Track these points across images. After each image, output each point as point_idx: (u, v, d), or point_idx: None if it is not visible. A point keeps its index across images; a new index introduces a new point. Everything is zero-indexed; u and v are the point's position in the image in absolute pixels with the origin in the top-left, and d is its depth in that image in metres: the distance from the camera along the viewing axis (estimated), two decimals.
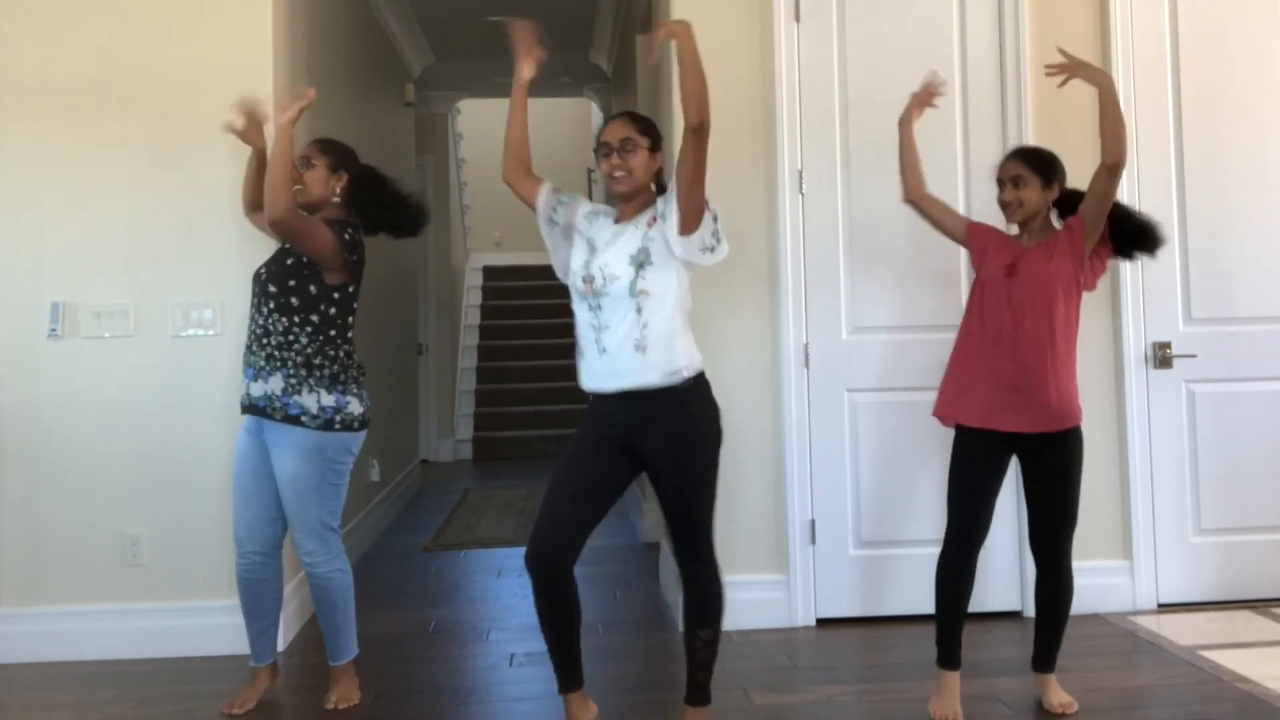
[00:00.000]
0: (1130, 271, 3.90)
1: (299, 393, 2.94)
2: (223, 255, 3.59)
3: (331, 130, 4.65)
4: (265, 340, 2.96)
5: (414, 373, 7.41)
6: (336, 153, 3.12)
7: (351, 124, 5.17)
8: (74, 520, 3.62)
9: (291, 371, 2.94)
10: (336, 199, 3.09)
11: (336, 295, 3.00)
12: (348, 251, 2.98)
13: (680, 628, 2.76)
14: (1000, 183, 3.01)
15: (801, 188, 3.86)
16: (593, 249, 2.71)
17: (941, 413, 3.01)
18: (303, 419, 2.93)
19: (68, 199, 3.65)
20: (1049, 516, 2.92)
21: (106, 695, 3.25)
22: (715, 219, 2.67)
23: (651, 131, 2.73)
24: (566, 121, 11.51)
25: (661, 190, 2.78)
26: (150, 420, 3.62)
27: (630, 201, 2.73)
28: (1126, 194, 3.91)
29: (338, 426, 2.97)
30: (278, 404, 2.93)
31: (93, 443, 3.62)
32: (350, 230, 3.03)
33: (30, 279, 3.64)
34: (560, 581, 2.62)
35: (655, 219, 2.69)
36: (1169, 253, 3.94)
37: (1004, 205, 2.99)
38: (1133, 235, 2.95)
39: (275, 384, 2.94)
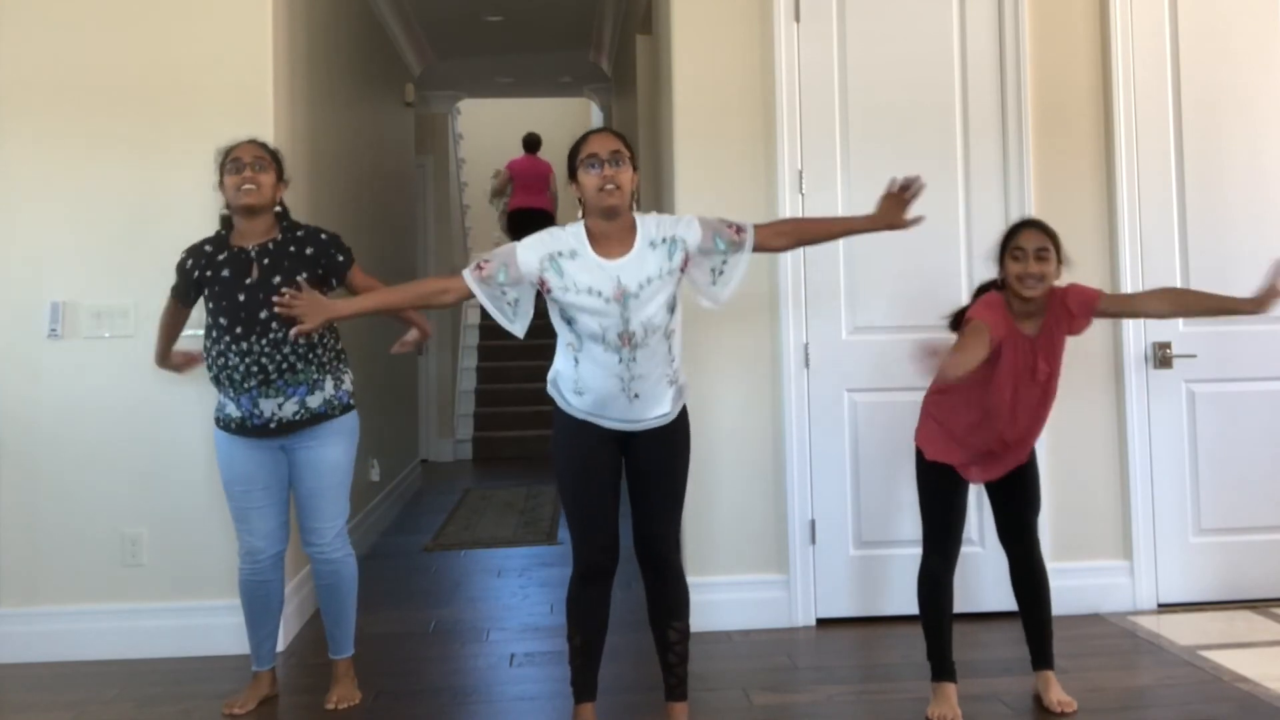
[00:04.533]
0: (1130, 271, 3.89)
1: (343, 381, 3.08)
2: None
3: (331, 130, 4.67)
4: (312, 355, 2.98)
5: (414, 373, 7.41)
6: (280, 161, 3.10)
7: (351, 124, 5.18)
8: (74, 520, 3.62)
9: (333, 368, 3.06)
10: (278, 208, 3.07)
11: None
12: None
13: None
14: (1022, 254, 2.77)
15: (801, 188, 3.85)
16: (615, 301, 2.55)
17: (932, 455, 2.95)
18: (350, 402, 3.08)
19: (68, 199, 3.65)
20: (1021, 508, 2.97)
21: (106, 695, 3.25)
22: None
23: (631, 147, 2.66)
24: (567, 122, 11.51)
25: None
26: (150, 420, 3.62)
27: (615, 220, 2.60)
28: (1127, 193, 3.92)
29: (353, 404, 3.13)
30: (336, 401, 3.04)
31: (93, 443, 3.62)
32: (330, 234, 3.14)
33: (30, 279, 3.64)
34: (609, 589, 2.71)
35: (687, 260, 2.65)
36: (1169, 253, 3.95)
37: (1023, 278, 2.75)
38: None
39: (329, 387, 3.02)
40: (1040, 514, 3.03)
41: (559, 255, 2.59)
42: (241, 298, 2.92)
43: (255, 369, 2.91)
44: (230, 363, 2.93)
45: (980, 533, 3.78)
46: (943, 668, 2.94)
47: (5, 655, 3.56)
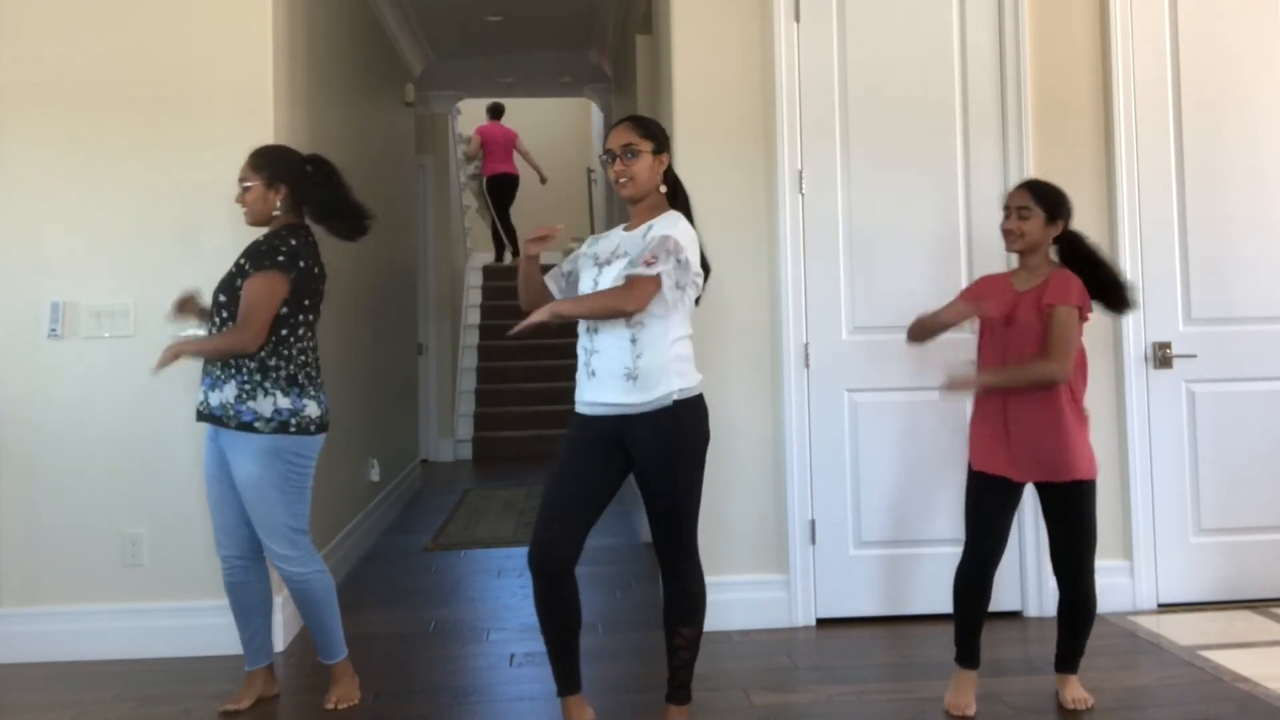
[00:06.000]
0: (1130, 271, 3.89)
1: (253, 398, 2.93)
2: (223, 255, 3.56)
3: (331, 130, 4.67)
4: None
5: (414, 373, 7.41)
6: (269, 166, 3.05)
7: (351, 124, 5.18)
8: (74, 520, 3.62)
9: (245, 378, 2.94)
10: (277, 212, 3.06)
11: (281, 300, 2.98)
12: (287, 272, 2.95)
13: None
14: (1006, 210, 2.99)
15: (801, 188, 3.86)
16: (598, 264, 2.75)
17: (972, 461, 2.99)
18: (256, 424, 2.92)
19: (68, 199, 3.65)
20: (1067, 545, 2.92)
21: (106, 695, 3.25)
22: (677, 264, 2.62)
23: (655, 134, 2.75)
24: (566, 121, 11.51)
25: (673, 191, 2.80)
26: (150, 420, 3.62)
27: (639, 204, 2.77)
28: (1127, 193, 3.92)
29: (293, 429, 2.95)
30: (231, 411, 2.93)
31: (93, 442, 3.62)
32: (287, 248, 2.97)
33: (30, 279, 3.64)
34: (563, 583, 2.62)
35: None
36: (1169, 253, 3.96)
37: (1006, 233, 2.98)
38: (1104, 286, 2.96)
39: (229, 391, 2.94)
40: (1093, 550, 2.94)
41: (592, 240, 2.86)
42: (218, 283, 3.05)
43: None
44: None
45: None
46: (968, 655, 2.96)
47: (5, 655, 3.57)
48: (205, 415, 3.00)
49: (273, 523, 2.96)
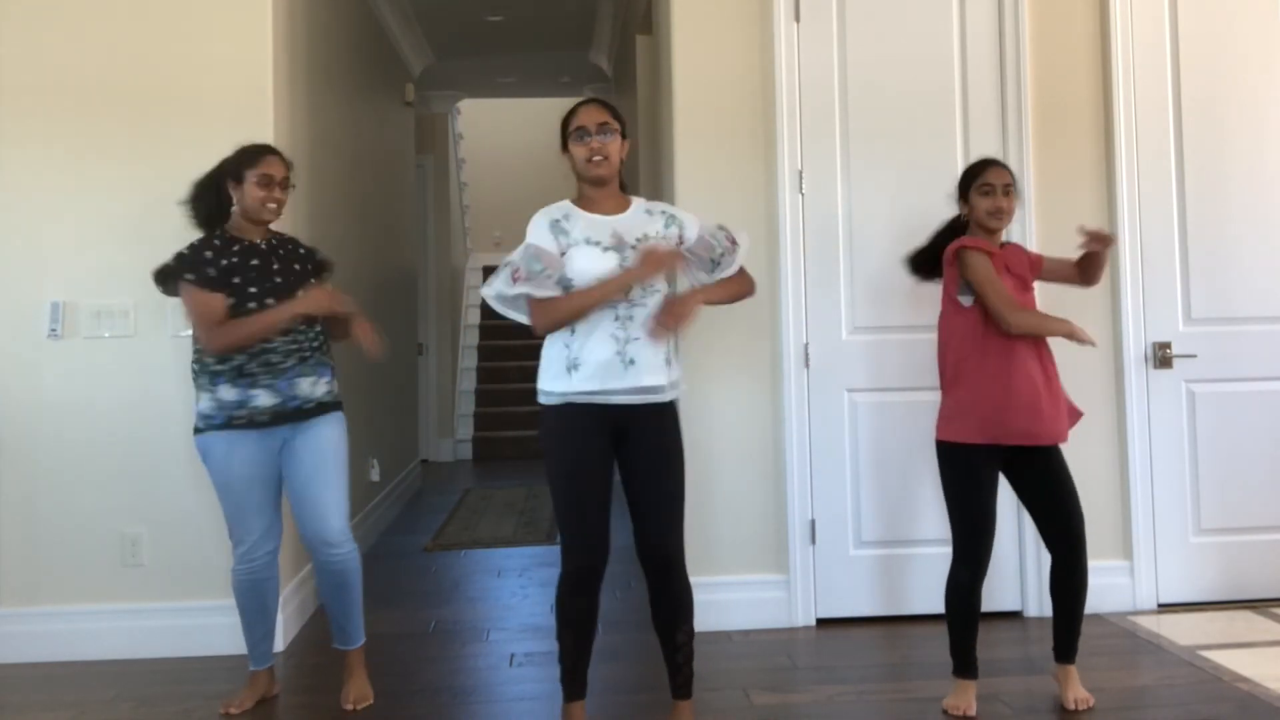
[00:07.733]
0: (1130, 271, 3.90)
1: (337, 377, 3.19)
2: None
3: (331, 130, 4.67)
4: (322, 339, 3.10)
5: (414, 373, 7.41)
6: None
7: (351, 124, 5.18)
8: (74, 520, 3.62)
9: (332, 362, 3.18)
10: None
11: None
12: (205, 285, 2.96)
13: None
14: (991, 189, 2.96)
15: (801, 188, 3.86)
16: (613, 249, 2.64)
17: (945, 435, 2.94)
18: (340, 400, 3.17)
19: (68, 199, 3.65)
20: (1070, 505, 2.90)
21: (106, 695, 3.25)
22: (730, 239, 2.81)
23: (621, 118, 2.72)
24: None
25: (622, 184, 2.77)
26: (150, 420, 3.63)
27: (604, 188, 2.70)
28: (1127, 193, 3.92)
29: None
30: (336, 393, 3.13)
31: (93, 443, 3.62)
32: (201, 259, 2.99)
33: (30, 279, 3.64)
34: (597, 590, 2.66)
35: (681, 239, 2.76)
36: (1169, 253, 3.96)
37: (997, 212, 2.96)
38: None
39: (327, 376, 3.11)
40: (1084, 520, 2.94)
41: (557, 220, 2.69)
42: (279, 280, 3.02)
43: (294, 348, 3.00)
44: (270, 344, 2.96)
45: None
46: (965, 665, 2.94)
47: (5, 655, 3.57)
48: (330, 404, 3.08)
49: (342, 499, 3.04)
